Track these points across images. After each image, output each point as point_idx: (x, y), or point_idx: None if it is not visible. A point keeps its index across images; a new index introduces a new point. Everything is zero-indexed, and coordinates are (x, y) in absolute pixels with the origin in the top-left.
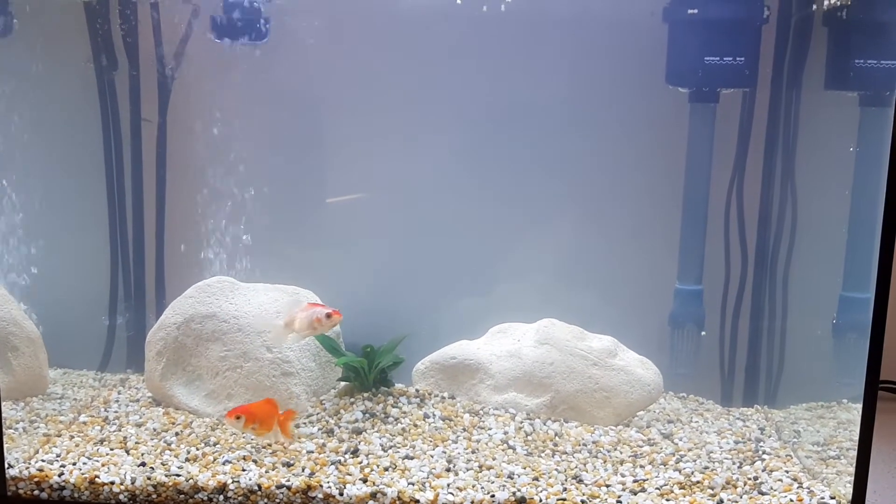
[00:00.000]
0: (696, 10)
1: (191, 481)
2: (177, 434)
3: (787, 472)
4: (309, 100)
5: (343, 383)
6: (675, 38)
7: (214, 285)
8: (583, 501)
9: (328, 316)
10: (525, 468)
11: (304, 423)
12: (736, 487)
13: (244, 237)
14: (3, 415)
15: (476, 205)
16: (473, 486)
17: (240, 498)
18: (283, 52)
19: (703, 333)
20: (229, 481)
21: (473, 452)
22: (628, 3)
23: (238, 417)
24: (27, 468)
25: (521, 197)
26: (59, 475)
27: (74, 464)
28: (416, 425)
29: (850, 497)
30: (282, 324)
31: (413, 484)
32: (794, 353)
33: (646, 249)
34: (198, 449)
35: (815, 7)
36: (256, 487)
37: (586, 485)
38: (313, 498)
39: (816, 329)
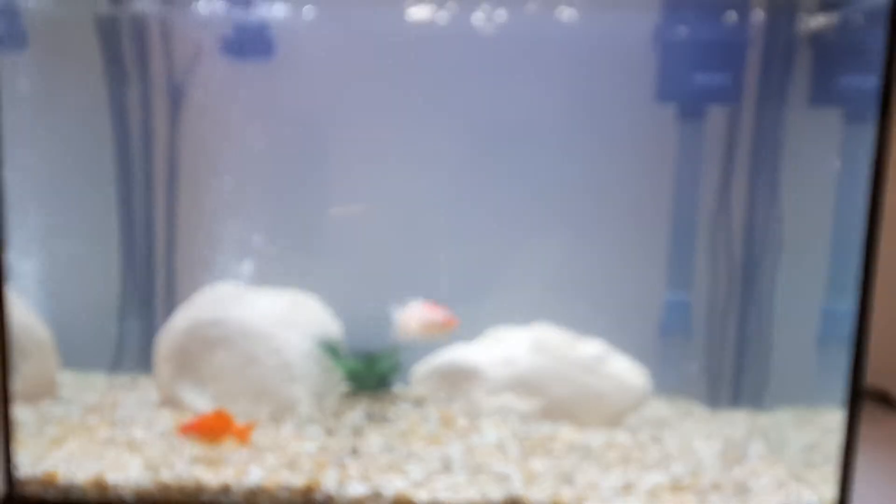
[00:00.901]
0: (684, 30)
1: (195, 482)
2: None
3: (773, 476)
4: (315, 114)
5: (344, 387)
6: (664, 56)
7: (221, 291)
8: (574, 502)
9: (442, 322)
10: (519, 470)
11: (307, 426)
12: (723, 491)
13: (251, 244)
14: (13, 417)
15: (472, 214)
16: (468, 488)
17: (242, 499)
18: (291, 69)
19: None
20: (233, 482)
21: (469, 454)
22: (618, 21)
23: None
24: (35, 470)
25: (517, 207)
26: (67, 476)
27: (82, 465)
28: (414, 428)
29: (835, 502)
30: (398, 320)
31: (411, 484)
32: (781, 359)
33: (636, 259)
34: (203, 451)
35: (800, 26)
36: (259, 488)
37: (577, 486)
38: (314, 498)
39: (803, 336)
